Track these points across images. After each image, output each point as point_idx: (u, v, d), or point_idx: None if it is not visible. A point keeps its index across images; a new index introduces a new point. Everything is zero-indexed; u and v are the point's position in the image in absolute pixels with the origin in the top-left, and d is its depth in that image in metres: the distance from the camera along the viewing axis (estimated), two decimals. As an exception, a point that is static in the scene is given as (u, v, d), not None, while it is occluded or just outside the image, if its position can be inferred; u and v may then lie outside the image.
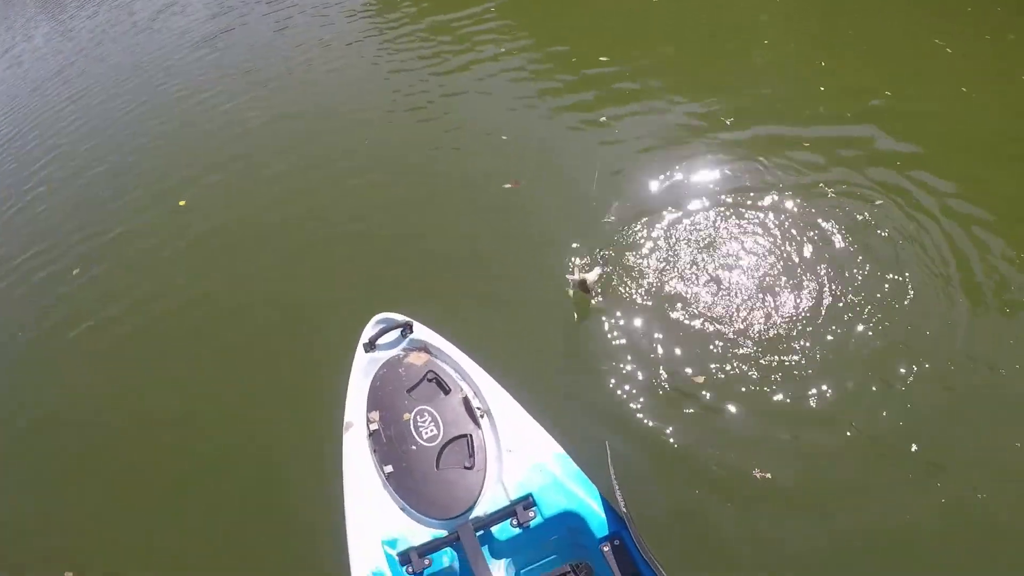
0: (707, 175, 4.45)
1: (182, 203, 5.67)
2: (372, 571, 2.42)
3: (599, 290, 3.66)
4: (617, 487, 2.48)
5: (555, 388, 3.52)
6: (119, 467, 3.86)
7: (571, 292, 3.66)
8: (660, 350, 3.52)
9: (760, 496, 3.01)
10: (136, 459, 3.84)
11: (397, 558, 2.44)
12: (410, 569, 2.43)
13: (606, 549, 2.46)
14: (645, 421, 3.30)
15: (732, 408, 3.25)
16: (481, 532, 2.47)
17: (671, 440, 3.21)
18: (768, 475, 3.05)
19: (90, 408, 4.27)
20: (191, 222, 5.49)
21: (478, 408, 2.71)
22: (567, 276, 3.67)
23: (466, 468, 2.57)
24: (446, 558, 2.46)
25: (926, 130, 4.58)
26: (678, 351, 3.50)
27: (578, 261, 3.85)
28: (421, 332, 3.00)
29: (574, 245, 4.08)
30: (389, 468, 2.60)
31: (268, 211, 5.31)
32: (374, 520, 2.51)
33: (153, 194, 6.00)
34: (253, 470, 3.56)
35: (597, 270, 3.65)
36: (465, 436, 2.63)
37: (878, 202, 4.05)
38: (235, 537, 3.35)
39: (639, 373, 3.43)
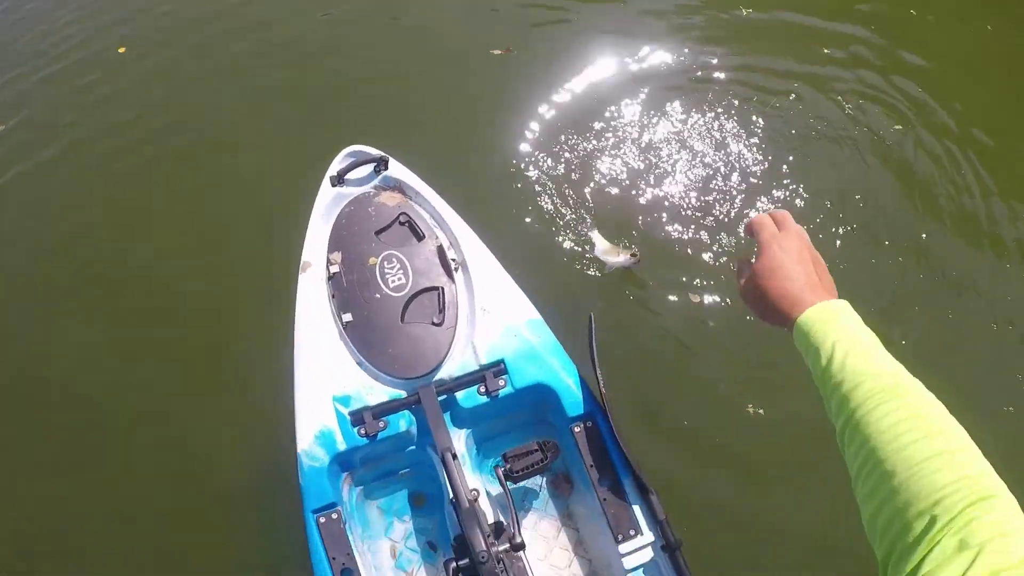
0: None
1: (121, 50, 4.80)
2: (319, 429, 2.20)
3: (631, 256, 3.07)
4: (597, 366, 2.24)
5: (540, 247, 3.22)
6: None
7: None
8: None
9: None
10: (75, 301, 3.53)
11: (349, 418, 2.22)
12: (362, 431, 2.21)
13: (577, 430, 2.26)
14: (637, 301, 3.05)
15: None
16: (444, 397, 2.24)
17: (661, 329, 2.99)
18: (763, 410, 2.85)
19: (24, 254, 3.82)
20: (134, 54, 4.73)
21: (453, 260, 2.41)
22: (602, 257, 3.10)
23: (434, 324, 2.30)
24: (403, 422, 2.24)
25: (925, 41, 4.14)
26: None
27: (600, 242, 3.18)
28: (397, 170, 2.63)
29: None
30: (348, 317, 2.33)
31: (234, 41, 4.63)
32: (326, 374, 2.27)
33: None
34: (198, 313, 3.29)
35: (623, 256, 3.06)
36: (436, 289, 2.34)
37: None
38: (175, 378, 3.13)
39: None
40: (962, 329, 3.05)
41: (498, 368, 2.24)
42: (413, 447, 2.35)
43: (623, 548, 2.20)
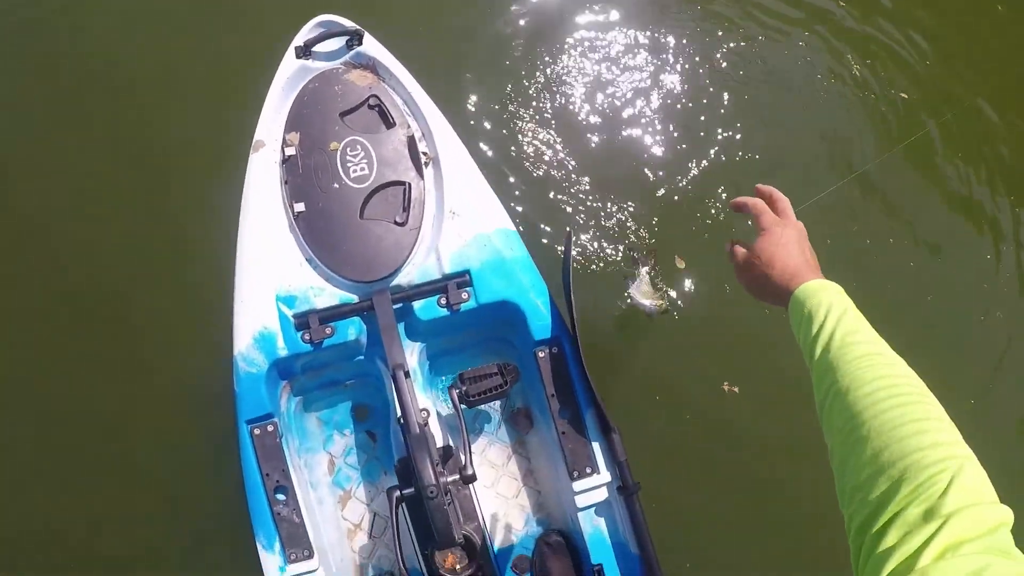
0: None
1: None
2: (259, 331, 1.97)
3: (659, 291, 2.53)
4: (571, 287, 2.02)
5: (522, 152, 2.94)
6: None
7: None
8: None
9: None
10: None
11: (293, 320, 1.99)
12: (307, 336, 1.99)
13: (541, 355, 2.06)
14: (618, 221, 2.81)
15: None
16: (400, 306, 2.02)
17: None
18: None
19: None
20: None
21: (424, 153, 2.14)
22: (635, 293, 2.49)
23: (397, 223, 2.05)
24: (352, 330, 2.02)
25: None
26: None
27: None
28: (372, 47, 2.31)
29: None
30: (300, 207, 2.06)
31: None
32: (271, 269, 2.02)
33: None
34: (139, 182, 2.93)
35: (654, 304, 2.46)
36: (403, 184, 2.08)
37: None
38: (112, 250, 2.84)
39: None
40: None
41: (462, 279, 2.01)
42: (361, 357, 2.14)
43: (577, 485, 2.04)
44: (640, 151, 2.97)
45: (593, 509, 2.10)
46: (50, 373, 2.68)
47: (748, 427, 2.64)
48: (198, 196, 2.78)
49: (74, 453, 2.60)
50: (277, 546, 1.95)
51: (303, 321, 1.98)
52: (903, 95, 3.17)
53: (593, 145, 2.97)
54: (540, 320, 2.04)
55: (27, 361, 2.71)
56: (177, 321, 2.69)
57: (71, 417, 2.63)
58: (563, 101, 3.02)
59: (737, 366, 2.69)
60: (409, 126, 2.17)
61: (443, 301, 2.01)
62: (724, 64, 3.15)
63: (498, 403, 2.37)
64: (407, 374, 1.84)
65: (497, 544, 2.29)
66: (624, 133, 3.00)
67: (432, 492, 1.66)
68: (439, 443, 2.02)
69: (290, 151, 2.13)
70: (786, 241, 1.32)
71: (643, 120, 3.03)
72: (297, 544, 1.96)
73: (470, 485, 2.11)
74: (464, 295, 2.00)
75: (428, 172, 2.12)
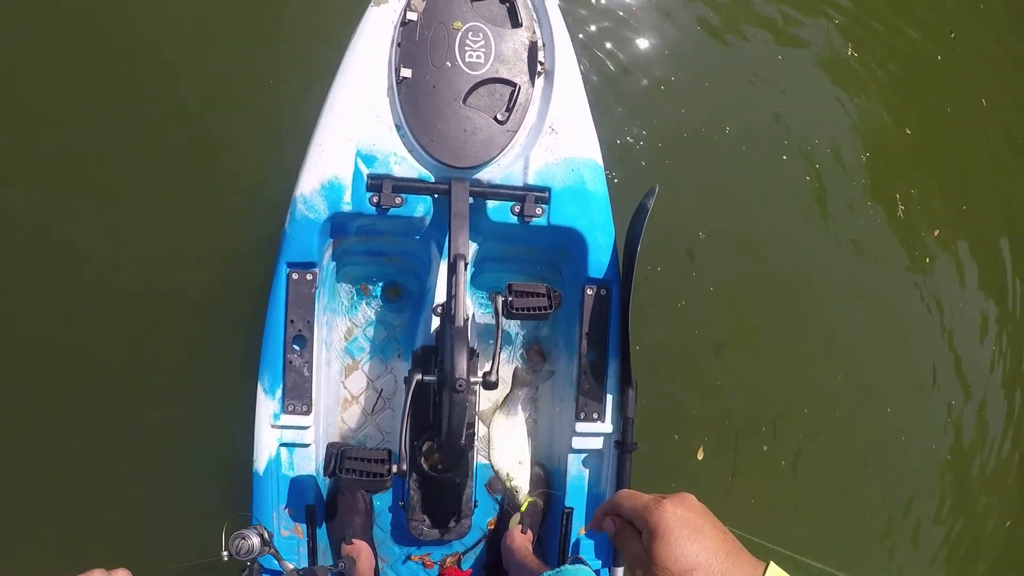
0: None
1: None
2: (329, 179, 1.94)
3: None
4: (640, 239, 2.02)
5: (634, 94, 2.92)
6: None
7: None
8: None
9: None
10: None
11: (367, 180, 1.96)
12: (375, 199, 1.97)
13: (589, 292, 2.07)
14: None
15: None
16: (474, 200, 2.01)
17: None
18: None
19: None
20: None
21: (541, 63, 2.11)
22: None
23: (496, 120, 2.03)
24: (421, 207, 2.00)
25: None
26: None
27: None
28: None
29: None
30: (407, 72, 2.03)
31: None
32: (359, 123, 1.98)
33: None
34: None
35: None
36: (513, 85, 2.05)
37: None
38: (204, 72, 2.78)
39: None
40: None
41: (542, 195, 2.00)
42: (418, 237, 2.13)
43: (580, 427, 2.07)
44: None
45: (586, 455, 2.13)
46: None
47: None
48: (304, 42, 2.73)
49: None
50: (279, 393, 1.96)
51: (377, 183, 1.96)
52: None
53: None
54: (599, 259, 2.04)
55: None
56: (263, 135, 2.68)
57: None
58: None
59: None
60: (535, 32, 2.13)
61: (517, 209, 2.00)
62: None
63: (520, 327, 2.38)
64: (466, 266, 1.83)
65: (479, 459, 2.32)
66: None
67: (461, 386, 1.66)
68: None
69: (412, 15, 2.08)
70: (697, 537, 0.85)
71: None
72: (299, 397, 1.97)
73: (473, 395, 2.13)
74: (539, 210, 2.00)
75: (539, 82, 2.09)
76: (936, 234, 3.16)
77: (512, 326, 2.36)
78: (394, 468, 1.82)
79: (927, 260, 3.14)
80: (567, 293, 2.17)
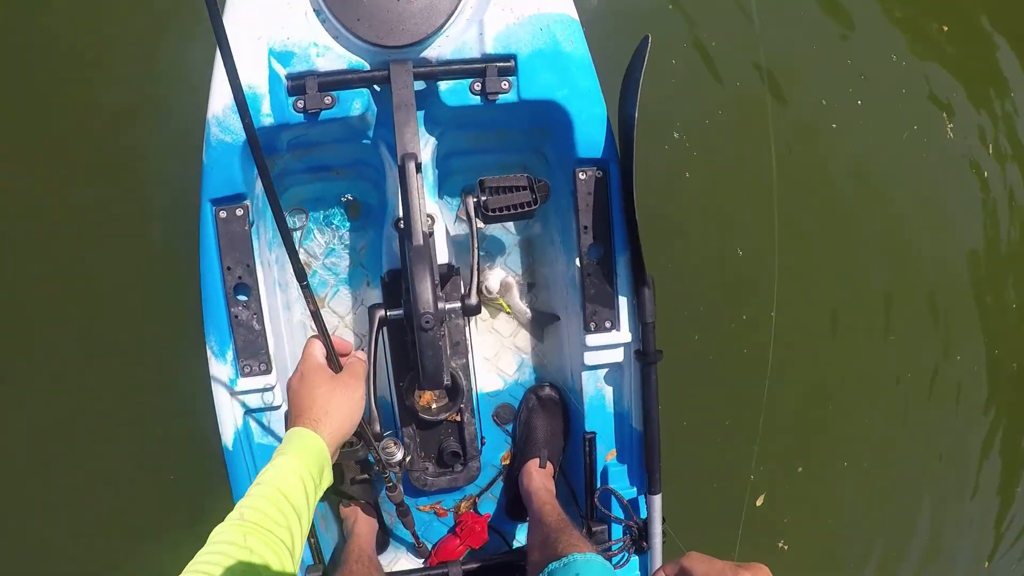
0: None
1: None
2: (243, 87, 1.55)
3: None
4: (637, 102, 1.61)
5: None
6: None
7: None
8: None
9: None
10: None
11: (286, 83, 1.56)
12: (301, 104, 1.57)
13: (582, 176, 1.69)
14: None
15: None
16: (423, 86, 1.61)
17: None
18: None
19: None
20: None
21: None
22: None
23: (435, -20, 1.60)
24: (358, 103, 1.60)
25: None
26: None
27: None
28: None
29: None
30: (316, -65, 1.59)
31: None
32: (267, 15, 1.55)
33: None
34: None
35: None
36: (451, -72, 1.61)
37: None
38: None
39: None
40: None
41: (506, 64, 1.59)
42: (366, 141, 1.75)
43: (591, 340, 1.73)
44: None
45: (603, 370, 1.81)
46: None
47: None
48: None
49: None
50: (230, 355, 1.63)
51: (299, 84, 1.57)
52: None
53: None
54: (589, 134, 1.65)
55: None
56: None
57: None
58: None
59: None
60: None
61: (477, 87, 1.60)
62: None
63: (514, 227, 2.02)
64: (418, 167, 1.45)
65: (482, 386, 2.01)
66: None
67: (428, 322, 1.32)
68: (440, 258, 1.67)
69: None
70: None
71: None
72: (253, 355, 1.63)
73: (462, 320, 1.80)
74: (504, 84, 1.59)
75: (486, -79, 1.64)
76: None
77: (503, 229, 2.01)
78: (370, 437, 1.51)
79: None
80: (556, 182, 1.80)
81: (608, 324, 1.73)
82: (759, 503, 2.56)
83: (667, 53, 2.45)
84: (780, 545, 2.62)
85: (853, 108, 2.62)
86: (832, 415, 2.68)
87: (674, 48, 2.47)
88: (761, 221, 2.40)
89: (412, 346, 1.59)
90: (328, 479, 1.10)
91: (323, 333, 1.20)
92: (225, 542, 0.89)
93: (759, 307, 2.45)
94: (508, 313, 2.03)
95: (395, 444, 1.58)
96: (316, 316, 1.17)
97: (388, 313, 1.49)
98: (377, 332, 1.48)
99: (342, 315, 1.97)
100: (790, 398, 2.58)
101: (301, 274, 1.12)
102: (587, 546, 1.46)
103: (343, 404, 1.15)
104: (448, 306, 1.50)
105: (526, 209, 1.60)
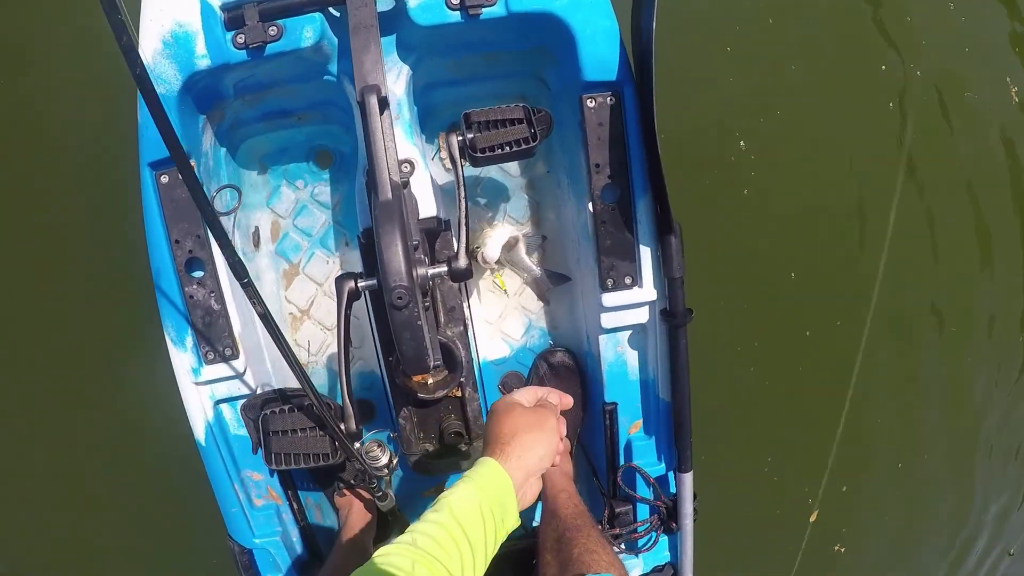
0: None
1: None
2: (170, 30, 1.28)
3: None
4: (653, 15, 1.29)
5: None
6: None
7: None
8: None
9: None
10: None
11: (221, 15, 1.29)
12: (241, 39, 1.30)
13: (591, 104, 1.40)
14: None
15: None
16: (391, 4, 1.32)
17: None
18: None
19: None
20: None
21: None
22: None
23: None
24: (310, 31, 1.31)
25: None
26: None
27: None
28: None
29: None
30: None
31: None
32: None
33: None
34: None
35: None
36: None
37: None
38: None
39: None
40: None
41: (488, -31, 1.29)
42: (330, 77, 1.46)
43: (609, 299, 1.47)
44: None
45: (622, 333, 1.55)
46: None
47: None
48: None
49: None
50: (189, 340, 1.40)
51: (236, 15, 1.28)
52: None
53: None
54: (597, 53, 1.35)
55: None
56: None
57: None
58: None
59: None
60: None
61: (455, 0, 1.30)
62: None
63: (517, 166, 1.73)
64: (383, 102, 1.17)
65: (485, 354, 1.77)
66: None
67: (400, 298, 1.06)
68: (423, 211, 1.40)
69: None
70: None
71: None
72: (215, 339, 1.40)
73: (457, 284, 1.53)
74: (488, -6, 1.30)
75: None
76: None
77: (502, 171, 1.72)
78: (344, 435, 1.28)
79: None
80: (560, 112, 1.51)
81: (628, 280, 1.46)
82: (812, 519, 2.35)
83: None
84: (837, 548, 2.41)
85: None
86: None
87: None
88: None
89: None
90: (514, 521, 1.01)
91: (279, 342, 0.96)
92: (392, 566, 0.85)
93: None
94: (504, 290, 1.77)
95: (379, 446, 1.34)
96: (266, 319, 0.92)
97: (359, 284, 1.23)
98: (347, 308, 1.22)
99: (320, 282, 1.71)
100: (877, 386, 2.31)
101: (240, 271, 0.86)
102: (605, 552, 1.24)
103: (539, 444, 1.08)
104: (431, 271, 1.24)
105: (524, 147, 1.32)
